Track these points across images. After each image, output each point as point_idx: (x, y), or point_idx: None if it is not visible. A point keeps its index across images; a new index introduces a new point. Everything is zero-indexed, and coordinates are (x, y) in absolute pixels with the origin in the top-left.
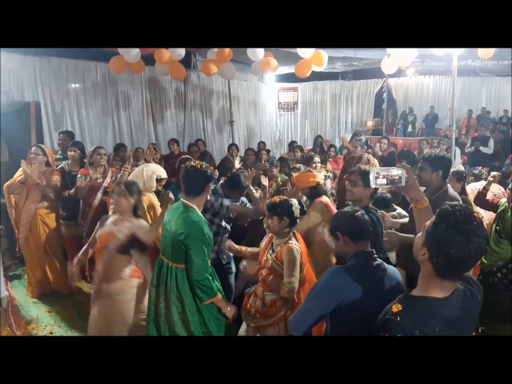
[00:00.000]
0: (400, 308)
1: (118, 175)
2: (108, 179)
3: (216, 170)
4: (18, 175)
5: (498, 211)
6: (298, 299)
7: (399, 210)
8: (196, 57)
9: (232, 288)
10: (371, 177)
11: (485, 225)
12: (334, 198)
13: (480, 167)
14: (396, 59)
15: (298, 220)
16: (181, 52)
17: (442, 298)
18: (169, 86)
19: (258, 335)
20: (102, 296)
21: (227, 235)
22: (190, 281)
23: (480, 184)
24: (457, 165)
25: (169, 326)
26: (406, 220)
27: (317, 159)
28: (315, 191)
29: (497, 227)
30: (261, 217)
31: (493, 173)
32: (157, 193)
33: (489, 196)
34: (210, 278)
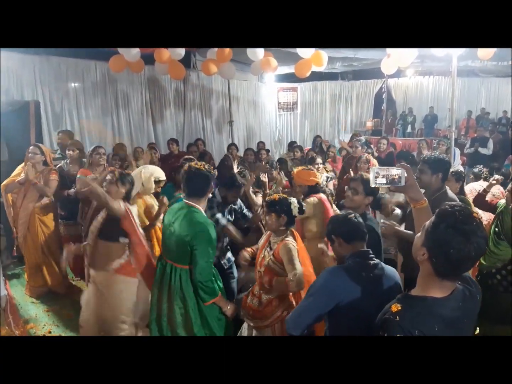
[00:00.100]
0: (399, 308)
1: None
2: None
3: (215, 170)
4: (16, 174)
5: (497, 212)
6: (295, 299)
7: (397, 210)
8: (196, 56)
9: (234, 292)
10: (371, 176)
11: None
12: (333, 198)
13: (481, 166)
14: (396, 59)
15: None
16: (181, 51)
17: (441, 298)
18: (169, 86)
19: (257, 334)
20: (91, 281)
21: (227, 239)
22: (193, 282)
23: (479, 185)
24: (457, 165)
25: (171, 327)
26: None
27: (319, 160)
28: (314, 190)
29: (496, 229)
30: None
31: (496, 176)
32: (157, 195)
33: (488, 196)
34: (213, 279)
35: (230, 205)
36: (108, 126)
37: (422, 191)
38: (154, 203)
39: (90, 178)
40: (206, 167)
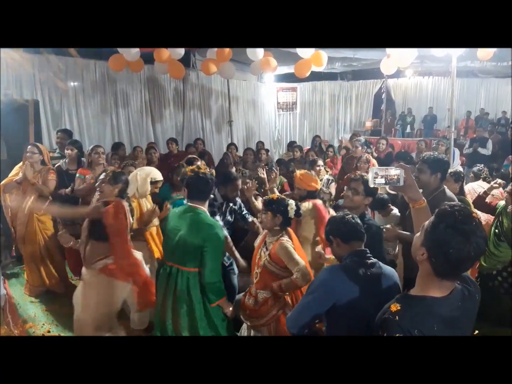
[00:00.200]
0: (399, 308)
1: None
2: None
3: (214, 170)
4: (14, 174)
5: (496, 213)
6: (292, 299)
7: (395, 211)
8: (196, 56)
9: (235, 289)
10: (370, 176)
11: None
12: (332, 202)
13: (482, 165)
14: (395, 59)
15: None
16: (181, 51)
17: (441, 298)
18: (168, 85)
19: (255, 333)
20: (81, 278)
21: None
22: (202, 284)
23: (478, 185)
24: (456, 166)
25: (176, 331)
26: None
27: (320, 162)
28: (311, 195)
29: (496, 230)
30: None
31: (499, 180)
32: (154, 196)
33: (487, 197)
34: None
35: (230, 206)
36: (107, 125)
37: (420, 190)
38: (150, 206)
39: (89, 178)
40: (208, 170)
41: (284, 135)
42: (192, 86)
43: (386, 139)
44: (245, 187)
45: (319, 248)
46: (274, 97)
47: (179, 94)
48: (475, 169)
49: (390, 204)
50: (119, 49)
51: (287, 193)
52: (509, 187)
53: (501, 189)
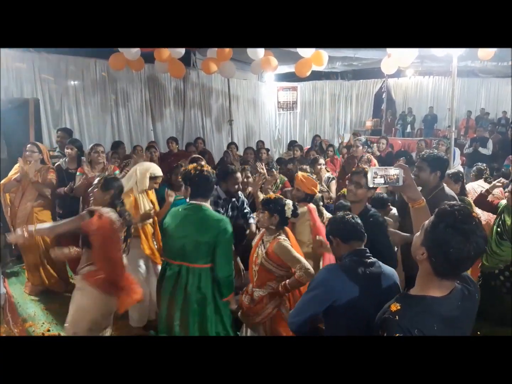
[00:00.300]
0: (399, 307)
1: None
2: None
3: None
4: (14, 173)
5: (498, 212)
6: (289, 297)
7: (394, 210)
8: (196, 55)
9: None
10: (369, 176)
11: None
12: (330, 201)
13: (484, 164)
14: (396, 59)
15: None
16: (181, 50)
17: (441, 297)
18: (169, 84)
19: (251, 332)
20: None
21: None
22: (215, 279)
23: (478, 184)
24: (457, 166)
25: (183, 333)
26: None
27: (321, 161)
28: (308, 199)
29: (498, 229)
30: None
31: (502, 179)
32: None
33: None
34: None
35: (233, 201)
36: (108, 124)
37: (419, 188)
38: (148, 204)
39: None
40: (211, 169)
41: (285, 135)
42: (193, 85)
43: (386, 139)
44: (250, 180)
45: (320, 237)
46: (275, 96)
47: (180, 93)
48: (477, 167)
49: (389, 204)
50: (120, 48)
51: (288, 189)
52: (510, 187)
53: (501, 188)
